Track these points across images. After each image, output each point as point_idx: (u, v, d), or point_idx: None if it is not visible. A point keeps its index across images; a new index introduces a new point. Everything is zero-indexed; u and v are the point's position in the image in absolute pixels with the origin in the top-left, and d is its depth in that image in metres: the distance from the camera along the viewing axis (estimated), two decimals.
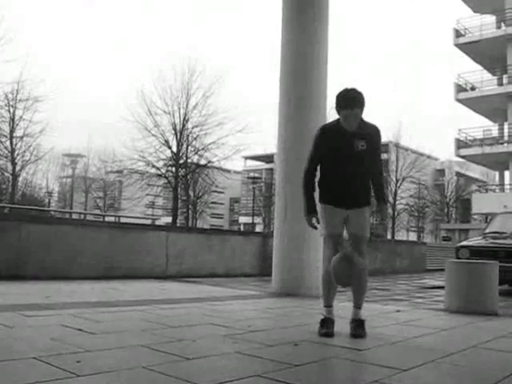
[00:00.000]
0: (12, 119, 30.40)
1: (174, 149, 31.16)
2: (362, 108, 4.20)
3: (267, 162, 60.44)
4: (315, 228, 4.46)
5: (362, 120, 4.28)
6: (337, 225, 4.38)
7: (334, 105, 4.24)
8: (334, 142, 4.30)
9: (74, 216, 27.13)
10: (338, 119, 4.30)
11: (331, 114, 6.48)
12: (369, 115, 4.30)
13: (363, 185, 4.42)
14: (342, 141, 4.26)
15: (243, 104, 52.25)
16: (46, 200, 47.12)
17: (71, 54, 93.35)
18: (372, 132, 4.34)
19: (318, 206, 4.45)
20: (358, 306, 4.45)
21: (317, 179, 4.50)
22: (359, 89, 4.24)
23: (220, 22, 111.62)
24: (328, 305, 4.48)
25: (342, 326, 4.42)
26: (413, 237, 52.58)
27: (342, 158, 4.29)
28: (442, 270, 7.01)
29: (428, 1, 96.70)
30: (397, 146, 45.30)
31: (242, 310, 5.87)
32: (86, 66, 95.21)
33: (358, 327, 4.30)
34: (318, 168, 4.46)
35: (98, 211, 46.66)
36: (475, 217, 43.54)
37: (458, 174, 55.08)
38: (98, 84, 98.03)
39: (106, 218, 31.77)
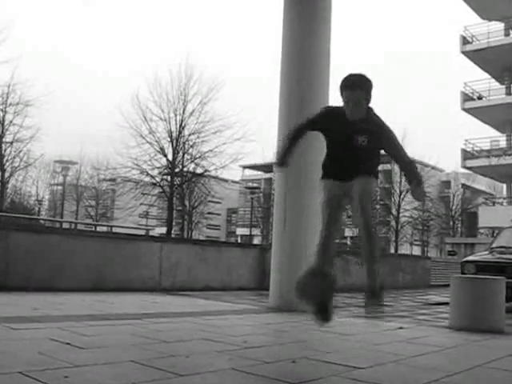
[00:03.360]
0: (1, 124, 30.44)
1: (170, 157, 31.18)
2: (364, 91, 4.03)
3: (266, 172, 60.41)
4: (279, 167, 4.37)
5: (369, 112, 4.11)
6: (335, 188, 4.20)
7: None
8: (333, 127, 4.14)
9: (65, 225, 27.09)
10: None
11: None
12: None
13: (367, 159, 4.19)
14: (342, 131, 4.08)
15: (241, 111, 52.33)
16: (36, 208, 47.12)
17: (64, 58, 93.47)
18: (373, 128, 4.09)
19: (320, 184, 4.33)
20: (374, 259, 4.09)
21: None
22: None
23: (218, 27, 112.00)
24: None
25: (342, 342, 4.40)
26: (417, 251, 52.51)
27: (340, 147, 4.14)
28: (447, 285, 7.01)
29: (435, 8, 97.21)
30: None
31: (238, 325, 5.85)
32: (79, 70, 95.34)
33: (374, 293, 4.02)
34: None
35: (89, 220, 46.64)
36: (482, 231, 43.55)
37: (464, 186, 55.14)
38: (91, 89, 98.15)
39: (98, 228, 31.79)
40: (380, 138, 4.13)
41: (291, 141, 4.28)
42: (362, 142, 4.05)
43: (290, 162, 4.29)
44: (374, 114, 4.15)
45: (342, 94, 4.08)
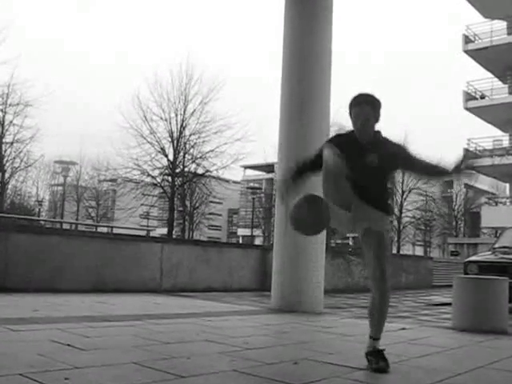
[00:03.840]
0: (1, 124, 30.45)
1: (171, 157, 31.17)
2: (373, 109, 4.06)
3: (267, 172, 60.41)
4: (282, 197, 4.19)
5: (378, 133, 4.11)
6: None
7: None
8: (346, 149, 3.99)
9: (65, 226, 27.12)
10: (353, 130, 4.13)
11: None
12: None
13: (379, 192, 4.14)
14: (353, 150, 4.01)
15: (242, 112, 52.31)
16: (36, 209, 47.16)
17: (64, 58, 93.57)
18: (384, 147, 4.05)
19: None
20: (377, 337, 3.99)
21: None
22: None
23: (219, 27, 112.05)
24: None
25: (344, 343, 4.39)
26: (419, 251, 52.51)
27: (353, 166, 3.97)
28: (450, 286, 7.00)
29: (437, 6, 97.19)
30: None
31: (239, 327, 5.85)
32: (79, 70, 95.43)
33: (378, 358, 3.83)
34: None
35: (90, 221, 46.64)
36: (484, 231, 43.52)
37: (467, 186, 55.10)
38: (91, 90, 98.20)
39: (99, 229, 31.78)
40: (393, 157, 4.06)
41: (298, 168, 4.21)
42: (374, 160, 3.99)
43: (293, 192, 4.15)
44: (383, 136, 4.13)
45: (350, 113, 4.09)
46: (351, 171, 3.92)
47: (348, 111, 4.11)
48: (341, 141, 4.09)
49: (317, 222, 4.01)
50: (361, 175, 3.97)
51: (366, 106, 4.03)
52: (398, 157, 4.08)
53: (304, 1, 8.04)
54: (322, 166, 3.91)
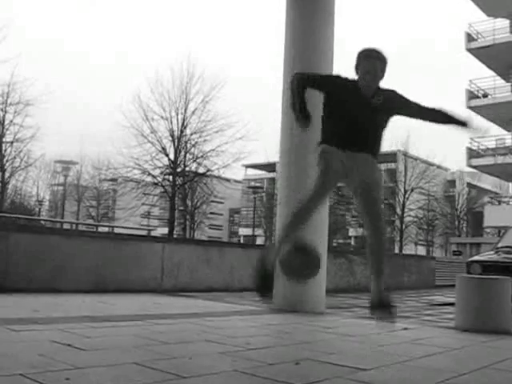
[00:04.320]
0: (1, 123, 30.48)
1: (172, 156, 31.19)
2: (383, 65, 4.12)
3: (269, 171, 60.47)
4: (305, 126, 4.21)
5: (379, 88, 4.21)
6: (337, 164, 4.12)
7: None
8: (344, 92, 4.17)
9: (66, 226, 27.16)
10: (356, 80, 4.19)
11: None
12: None
13: (375, 134, 4.27)
14: (355, 96, 4.13)
15: (244, 111, 52.25)
16: (37, 209, 47.21)
17: (64, 57, 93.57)
18: (387, 98, 4.20)
19: (318, 150, 4.24)
20: (380, 272, 4.12)
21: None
22: None
23: (220, 24, 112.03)
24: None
25: (346, 343, 4.39)
26: (421, 251, 52.50)
27: (353, 110, 4.14)
28: (453, 285, 7.00)
29: (440, 5, 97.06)
30: (405, 155, 45.38)
31: (241, 327, 5.85)
32: (79, 70, 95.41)
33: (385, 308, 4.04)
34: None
35: (90, 221, 46.69)
36: (487, 230, 43.52)
37: (470, 185, 55.08)
38: (91, 89, 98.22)
39: (99, 229, 31.79)
40: (395, 102, 4.23)
41: (302, 94, 4.22)
42: (378, 101, 4.12)
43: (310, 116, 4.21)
44: (384, 89, 4.24)
45: (358, 65, 4.13)
46: (349, 114, 4.11)
47: (356, 62, 4.16)
48: (346, 84, 4.19)
49: (307, 272, 4.10)
50: (360, 119, 4.10)
51: (376, 62, 4.08)
52: (398, 101, 4.28)
53: (305, 1, 8.02)
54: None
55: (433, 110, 4.26)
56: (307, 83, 4.27)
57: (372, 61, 4.07)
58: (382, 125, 4.28)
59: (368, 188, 4.16)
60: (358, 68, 4.15)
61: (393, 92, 4.29)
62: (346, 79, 4.27)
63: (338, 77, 4.35)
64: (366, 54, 4.10)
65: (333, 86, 4.27)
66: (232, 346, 4.32)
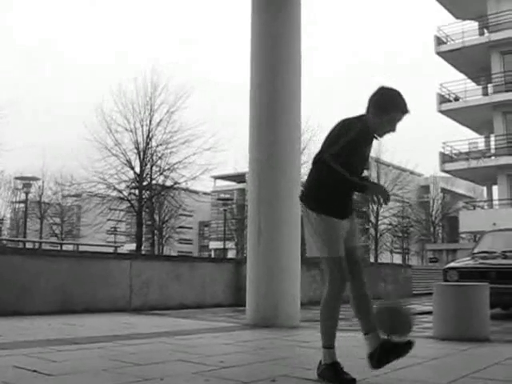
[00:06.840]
0: None
1: (137, 169, 30.99)
2: None
3: (238, 182, 60.48)
4: (385, 202, 3.75)
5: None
6: (343, 234, 3.92)
7: (375, 105, 3.84)
8: (363, 144, 3.94)
9: (28, 245, 26.77)
10: (362, 115, 3.90)
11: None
12: None
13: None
14: (368, 146, 4.01)
15: (213, 120, 52.34)
16: None
17: (22, 68, 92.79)
18: None
19: (316, 219, 3.85)
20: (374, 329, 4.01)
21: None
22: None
23: (184, 31, 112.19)
24: (332, 345, 3.96)
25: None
26: (397, 259, 52.85)
27: (358, 165, 3.92)
28: (430, 293, 7.05)
29: (408, 7, 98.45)
30: (378, 161, 45.69)
31: (214, 344, 5.82)
32: (39, 81, 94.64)
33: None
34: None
35: (54, 239, 46.12)
36: (463, 236, 44.03)
37: (444, 191, 55.70)
38: (52, 101, 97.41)
39: (64, 247, 31.38)
40: None
41: (346, 174, 3.75)
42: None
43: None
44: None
45: (389, 112, 3.84)
46: (357, 160, 3.89)
47: (392, 110, 3.84)
48: (361, 128, 3.82)
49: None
50: (362, 164, 3.99)
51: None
52: None
53: (271, 9, 8.04)
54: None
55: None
56: (338, 159, 3.72)
57: (403, 116, 3.88)
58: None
59: (348, 237, 3.99)
60: (386, 113, 3.83)
61: None
62: (362, 121, 3.89)
63: (360, 123, 3.87)
64: (403, 109, 3.85)
65: (356, 135, 3.80)
66: (205, 365, 4.30)
